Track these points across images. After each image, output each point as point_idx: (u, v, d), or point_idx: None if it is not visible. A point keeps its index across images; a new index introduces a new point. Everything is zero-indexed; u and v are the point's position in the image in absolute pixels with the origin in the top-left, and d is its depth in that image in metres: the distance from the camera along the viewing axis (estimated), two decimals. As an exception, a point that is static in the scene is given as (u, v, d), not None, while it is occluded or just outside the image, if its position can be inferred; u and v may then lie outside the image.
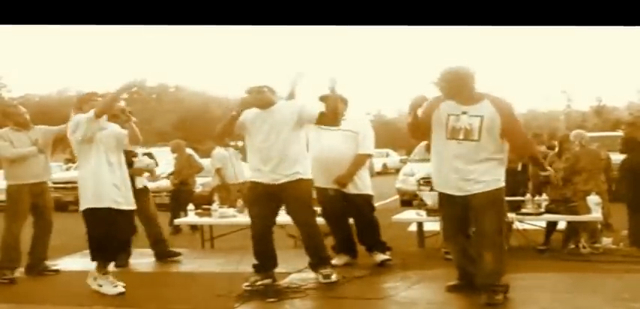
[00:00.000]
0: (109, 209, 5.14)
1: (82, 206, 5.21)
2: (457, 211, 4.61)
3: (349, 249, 6.01)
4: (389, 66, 69.39)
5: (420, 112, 4.59)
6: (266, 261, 5.20)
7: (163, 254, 6.65)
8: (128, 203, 5.31)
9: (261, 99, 5.12)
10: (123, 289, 5.19)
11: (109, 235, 5.17)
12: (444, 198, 4.68)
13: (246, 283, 5.11)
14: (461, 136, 4.42)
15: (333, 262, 5.66)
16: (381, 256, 5.87)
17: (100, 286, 5.20)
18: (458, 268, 4.81)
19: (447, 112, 4.49)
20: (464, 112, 4.43)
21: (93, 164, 5.16)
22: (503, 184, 4.57)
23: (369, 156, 5.93)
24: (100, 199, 5.14)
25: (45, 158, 6.12)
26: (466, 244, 4.75)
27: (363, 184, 5.89)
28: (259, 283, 5.10)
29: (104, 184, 5.15)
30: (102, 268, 5.25)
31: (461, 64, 4.53)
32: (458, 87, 4.46)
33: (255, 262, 5.23)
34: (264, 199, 5.15)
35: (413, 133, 4.71)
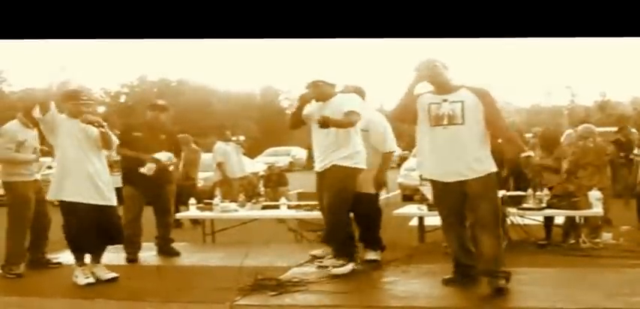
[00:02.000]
0: (77, 203, 5.31)
1: (49, 195, 5.50)
2: (452, 198, 4.71)
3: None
4: (390, 61, 69.20)
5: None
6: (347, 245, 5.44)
7: (164, 250, 6.69)
8: (99, 199, 5.37)
9: (318, 92, 5.37)
10: (92, 280, 5.35)
11: (78, 229, 5.34)
12: (438, 186, 4.78)
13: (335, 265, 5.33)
14: (445, 122, 4.57)
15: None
16: (371, 254, 5.81)
17: (76, 277, 5.40)
18: (454, 259, 4.89)
19: (428, 101, 4.67)
20: (444, 100, 4.60)
21: (61, 156, 5.40)
22: (495, 169, 4.71)
23: (392, 153, 5.95)
24: (63, 190, 5.35)
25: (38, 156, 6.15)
26: (463, 235, 4.83)
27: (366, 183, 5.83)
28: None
29: (71, 177, 5.32)
30: (78, 261, 5.45)
31: (434, 56, 4.70)
32: (435, 74, 4.64)
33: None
34: (319, 187, 5.49)
35: (403, 114, 4.87)
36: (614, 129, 11.79)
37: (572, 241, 6.45)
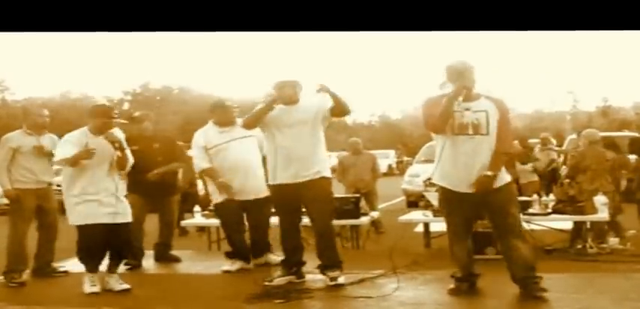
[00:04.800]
0: (87, 225, 5.28)
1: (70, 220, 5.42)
2: (467, 209, 4.63)
3: (246, 255, 6.09)
4: (393, 67, 69.39)
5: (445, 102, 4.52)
6: (291, 257, 5.30)
7: (164, 257, 6.68)
8: (108, 218, 5.30)
9: (290, 94, 5.17)
10: (97, 289, 5.31)
11: (90, 246, 5.34)
12: (454, 196, 4.62)
13: (269, 279, 5.23)
14: (470, 131, 4.46)
15: (227, 268, 5.94)
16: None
17: (84, 283, 5.37)
18: (463, 269, 4.79)
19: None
20: (467, 109, 4.47)
21: (75, 177, 5.32)
22: (510, 178, 4.74)
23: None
24: (79, 215, 5.30)
25: (48, 162, 6.09)
26: (470, 246, 4.81)
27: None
28: (281, 279, 5.22)
29: (85, 199, 5.27)
30: (88, 270, 5.40)
31: (464, 59, 4.60)
32: (471, 79, 4.52)
33: (282, 258, 5.39)
34: (287, 198, 5.20)
35: (440, 125, 4.60)
36: (618, 134, 11.79)
37: (579, 247, 6.43)
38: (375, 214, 7.70)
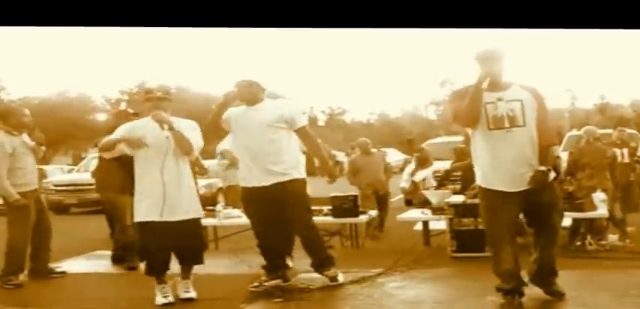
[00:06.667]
0: (147, 222, 4.82)
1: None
2: (513, 210, 4.22)
3: None
4: (392, 65, 69.41)
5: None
6: (273, 261, 5.18)
7: None
8: (169, 215, 4.79)
9: (248, 94, 5.00)
10: (172, 299, 4.87)
11: (146, 247, 4.88)
12: (498, 198, 4.18)
13: (254, 284, 5.09)
14: (506, 124, 4.09)
15: None
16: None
17: (156, 295, 4.93)
18: (511, 278, 4.26)
19: (482, 101, 4.14)
20: (499, 99, 4.12)
21: (140, 172, 4.91)
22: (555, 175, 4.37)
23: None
24: (137, 212, 4.90)
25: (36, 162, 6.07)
26: (517, 249, 4.31)
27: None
28: (267, 283, 5.08)
29: (145, 195, 4.84)
30: (157, 280, 4.94)
31: (496, 44, 4.24)
32: (498, 66, 4.15)
33: (263, 262, 5.23)
34: (256, 201, 5.04)
35: (471, 117, 4.18)
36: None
37: (578, 243, 6.43)
38: (373, 213, 7.68)
